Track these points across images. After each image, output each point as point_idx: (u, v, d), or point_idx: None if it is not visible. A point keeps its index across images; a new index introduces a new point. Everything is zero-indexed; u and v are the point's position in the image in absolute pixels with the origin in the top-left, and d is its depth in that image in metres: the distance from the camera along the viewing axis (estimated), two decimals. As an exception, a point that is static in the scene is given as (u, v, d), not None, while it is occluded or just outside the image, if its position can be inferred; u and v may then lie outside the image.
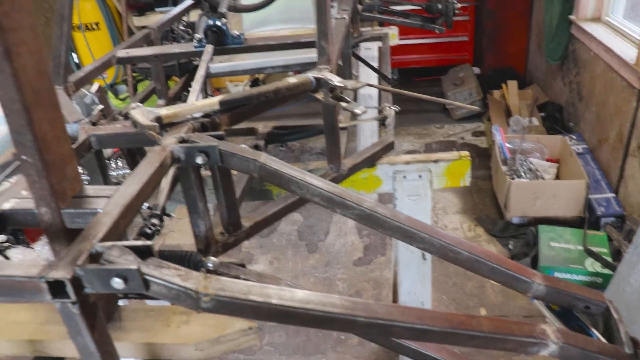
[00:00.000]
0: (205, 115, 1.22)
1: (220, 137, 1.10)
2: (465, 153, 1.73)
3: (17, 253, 3.47)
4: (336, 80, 1.29)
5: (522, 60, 4.85)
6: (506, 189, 3.19)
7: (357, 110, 1.29)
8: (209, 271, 1.18)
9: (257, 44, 1.72)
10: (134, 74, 5.34)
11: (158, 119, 1.15)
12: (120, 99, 5.31)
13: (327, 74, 1.32)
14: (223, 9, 1.86)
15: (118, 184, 1.30)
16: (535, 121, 3.92)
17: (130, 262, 0.75)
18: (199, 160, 1.05)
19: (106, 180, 1.33)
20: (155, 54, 1.87)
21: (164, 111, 1.16)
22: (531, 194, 3.11)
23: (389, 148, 1.72)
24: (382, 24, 4.46)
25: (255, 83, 3.21)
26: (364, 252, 3.20)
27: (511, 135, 3.62)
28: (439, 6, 3.54)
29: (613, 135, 3.17)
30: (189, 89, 2.47)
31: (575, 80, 3.72)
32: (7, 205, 0.95)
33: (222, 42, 1.73)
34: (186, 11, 2.58)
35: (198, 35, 1.77)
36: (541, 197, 3.11)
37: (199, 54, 1.78)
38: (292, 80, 1.29)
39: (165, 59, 1.91)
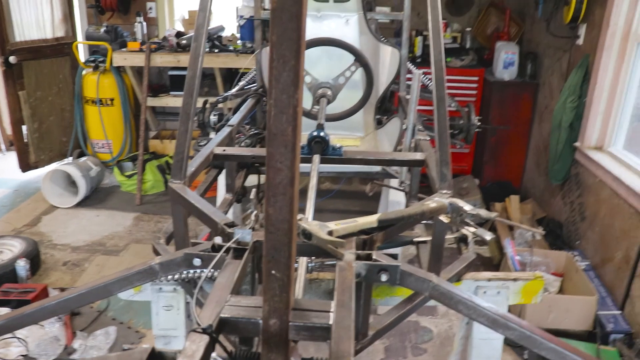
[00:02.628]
0: (363, 232, 1.35)
1: (394, 257, 1.23)
2: (539, 274, 1.89)
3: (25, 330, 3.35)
4: (468, 208, 1.45)
5: (519, 175, 5.20)
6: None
7: (487, 237, 1.44)
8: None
9: (357, 157, 1.88)
10: (146, 156, 5.45)
11: (330, 234, 1.27)
12: (126, 176, 5.36)
13: (457, 200, 1.48)
14: (322, 120, 2.03)
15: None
16: (538, 236, 4.17)
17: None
18: (383, 277, 1.17)
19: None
20: (253, 155, 2.00)
21: (333, 226, 1.29)
22: (546, 307, 3.28)
23: (472, 264, 1.87)
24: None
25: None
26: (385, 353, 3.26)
27: (520, 249, 3.83)
28: (461, 122, 3.80)
29: (619, 256, 3.42)
30: (245, 184, 2.61)
31: (578, 201, 4.02)
32: (226, 313, 1.03)
33: (325, 152, 1.88)
34: (253, 108, 2.76)
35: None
36: (555, 311, 3.28)
37: (298, 161, 1.92)
38: (433, 204, 1.44)
39: (261, 161, 2.05)
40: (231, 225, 1.38)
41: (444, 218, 1.50)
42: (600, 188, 3.69)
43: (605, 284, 3.55)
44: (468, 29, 5.54)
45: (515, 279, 1.86)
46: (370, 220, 1.34)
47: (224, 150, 2.02)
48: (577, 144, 3.97)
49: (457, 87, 5.13)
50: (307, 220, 1.28)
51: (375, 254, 1.21)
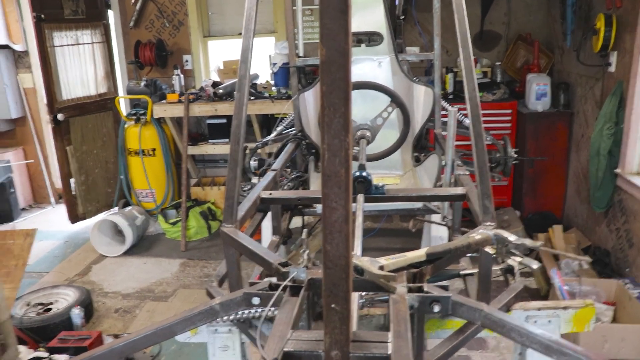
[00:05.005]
0: (412, 266, 1.39)
1: (445, 288, 1.27)
2: (590, 301, 1.89)
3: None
4: (513, 238, 1.48)
5: (559, 205, 5.15)
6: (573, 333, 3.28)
7: (534, 266, 1.46)
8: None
9: (399, 195, 1.93)
10: (190, 203, 5.62)
11: (381, 268, 1.32)
12: (170, 223, 5.50)
13: (502, 231, 1.51)
14: (363, 161, 2.10)
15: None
16: (585, 265, 4.10)
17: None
18: (436, 308, 1.21)
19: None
20: (299, 197, 2.07)
21: (384, 261, 1.34)
22: (600, 336, 3.21)
23: (520, 294, 1.88)
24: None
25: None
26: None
27: (568, 278, 3.78)
28: (498, 155, 3.81)
29: (671, 283, 3.34)
30: (289, 227, 2.67)
31: (624, 228, 3.96)
32: (290, 346, 1.08)
33: (368, 191, 1.94)
34: (294, 151, 2.85)
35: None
36: (610, 340, 3.21)
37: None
38: (478, 237, 1.48)
39: (306, 202, 2.12)
40: (285, 264, 1.44)
41: (489, 249, 1.53)
42: (646, 213, 3.64)
43: (660, 312, 3.46)
44: (498, 63, 5.60)
45: (565, 307, 1.85)
46: (419, 255, 1.39)
47: (271, 193, 2.10)
48: (618, 170, 3.94)
49: (491, 121, 5.16)
50: (357, 256, 1.33)
51: (426, 286, 1.25)
